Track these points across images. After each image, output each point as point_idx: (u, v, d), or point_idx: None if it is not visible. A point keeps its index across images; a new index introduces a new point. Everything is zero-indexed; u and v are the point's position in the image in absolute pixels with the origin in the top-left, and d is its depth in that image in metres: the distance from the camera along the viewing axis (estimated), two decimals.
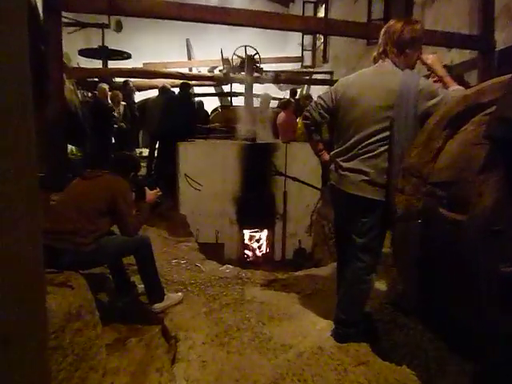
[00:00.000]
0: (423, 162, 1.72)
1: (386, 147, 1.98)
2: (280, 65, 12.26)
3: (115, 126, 6.76)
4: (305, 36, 12.64)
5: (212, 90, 10.52)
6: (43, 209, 2.63)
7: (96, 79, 8.25)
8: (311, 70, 12.47)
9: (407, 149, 1.85)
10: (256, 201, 5.55)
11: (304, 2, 12.78)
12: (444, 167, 1.62)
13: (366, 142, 2.02)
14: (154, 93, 7.82)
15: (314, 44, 12.71)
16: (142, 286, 2.85)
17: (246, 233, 5.86)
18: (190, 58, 13.02)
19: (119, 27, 12.47)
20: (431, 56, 2.14)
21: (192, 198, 5.36)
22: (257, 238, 5.96)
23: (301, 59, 13.17)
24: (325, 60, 11.83)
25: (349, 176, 2.08)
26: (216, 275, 3.45)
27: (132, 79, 8.14)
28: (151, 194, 3.01)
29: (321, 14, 12.24)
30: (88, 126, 6.42)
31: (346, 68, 9.54)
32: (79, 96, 7.11)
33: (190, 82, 7.42)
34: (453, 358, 1.90)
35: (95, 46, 9.40)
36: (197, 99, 8.33)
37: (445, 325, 1.72)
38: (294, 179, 5.61)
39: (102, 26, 9.36)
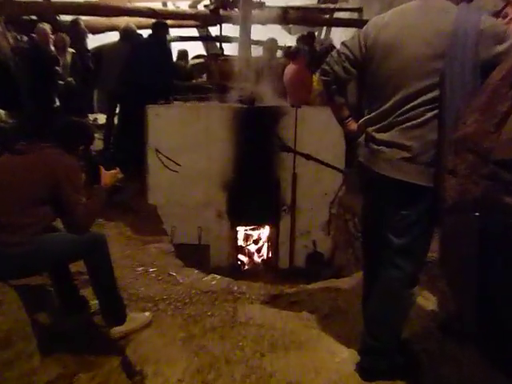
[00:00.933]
0: (483, 133, 1.71)
1: (436, 112, 1.97)
2: None
3: (60, 81, 6.72)
4: None
5: (195, 32, 10.47)
6: None
7: (34, 17, 8.16)
8: (332, 5, 12.35)
9: (463, 114, 1.83)
10: (254, 187, 5.50)
11: None
12: None
13: (408, 106, 2.02)
14: (115, 37, 7.78)
15: None
16: (96, 302, 2.86)
17: (241, 231, 5.84)
18: None
19: None
20: None
21: (166, 183, 5.33)
22: (255, 237, 5.96)
23: None
24: None
25: (384, 152, 2.09)
26: (198, 288, 3.47)
27: (83, 17, 8.08)
28: (108, 176, 3.01)
29: None
30: (22, 81, 6.36)
31: (381, 3, 9.47)
32: (10, 40, 7.04)
33: (165, 22, 7.35)
34: None
35: None
36: (178, 47, 8.21)
37: None
38: (308, 157, 5.56)
39: None
